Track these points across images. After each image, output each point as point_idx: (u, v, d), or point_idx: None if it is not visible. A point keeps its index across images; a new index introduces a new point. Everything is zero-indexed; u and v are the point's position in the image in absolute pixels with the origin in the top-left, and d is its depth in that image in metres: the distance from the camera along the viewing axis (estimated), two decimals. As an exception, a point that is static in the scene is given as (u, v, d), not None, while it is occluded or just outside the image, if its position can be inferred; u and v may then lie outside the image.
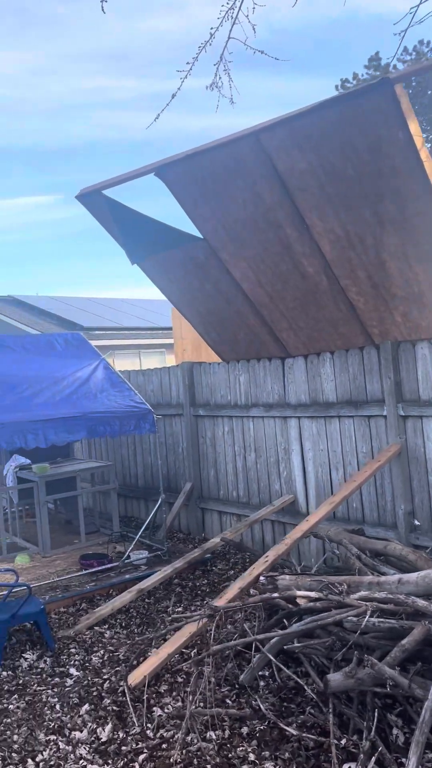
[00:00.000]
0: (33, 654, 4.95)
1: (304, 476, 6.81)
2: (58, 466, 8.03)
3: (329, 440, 6.51)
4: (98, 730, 3.80)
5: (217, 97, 5.03)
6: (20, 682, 4.52)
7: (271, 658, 3.89)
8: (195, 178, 5.61)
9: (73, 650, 4.98)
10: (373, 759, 3.07)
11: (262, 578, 4.81)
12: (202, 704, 3.82)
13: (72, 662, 4.77)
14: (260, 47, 3.72)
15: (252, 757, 3.35)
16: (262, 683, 4.04)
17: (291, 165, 5.03)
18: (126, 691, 4.13)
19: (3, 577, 6.15)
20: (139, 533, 7.07)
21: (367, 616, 3.59)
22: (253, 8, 3.89)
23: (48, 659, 4.85)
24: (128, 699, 4.05)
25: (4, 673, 4.67)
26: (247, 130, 4.96)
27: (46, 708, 4.11)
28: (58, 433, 6.26)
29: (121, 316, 21.27)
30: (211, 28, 3.92)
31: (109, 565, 6.65)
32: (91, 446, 10.10)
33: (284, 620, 4.34)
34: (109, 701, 4.10)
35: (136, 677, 4.29)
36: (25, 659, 4.88)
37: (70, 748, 3.64)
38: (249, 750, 3.41)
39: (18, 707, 4.15)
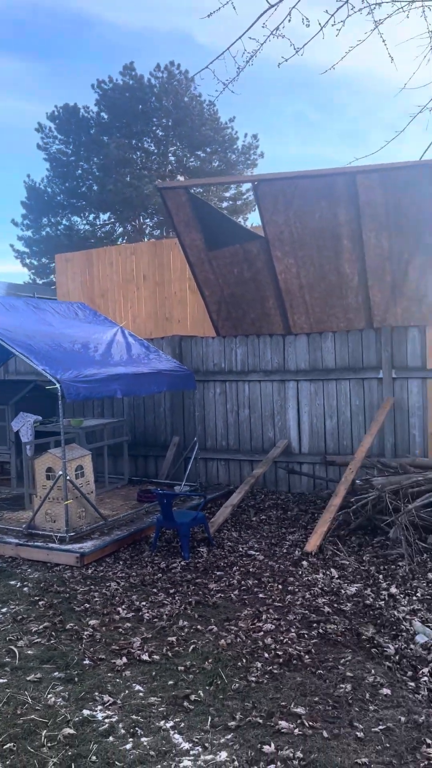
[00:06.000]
0: (203, 548, 6.37)
1: (299, 425, 9.02)
2: (86, 420, 8.91)
3: (326, 397, 8.82)
4: (327, 572, 5.62)
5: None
6: (227, 560, 6.00)
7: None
8: (285, 193, 7.47)
9: (228, 544, 6.52)
10: None
11: (358, 482, 6.99)
12: (376, 556, 5.91)
13: (239, 549, 6.35)
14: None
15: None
16: (402, 537, 6.25)
17: (371, 198, 7.27)
18: (339, 547, 5.97)
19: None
20: (185, 477, 8.46)
21: None
22: None
23: (217, 550, 6.34)
24: (342, 549, 5.92)
25: (200, 559, 6.06)
26: (348, 168, 7.06)
27: (274, 567, 5.75)
28: (150, 385, 7.48)
29: None
30: None
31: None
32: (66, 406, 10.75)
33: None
34: (313, 560, 5.91)
35: (312, 546, 6.13)
36: (201, 551, 6.29)
37: (322, 576, 5.43)
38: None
39: (257, 571, 5.71)
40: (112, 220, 31.20)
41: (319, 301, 8.51)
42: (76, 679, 3.97)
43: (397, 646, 4.25)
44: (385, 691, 3.72)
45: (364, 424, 8.60)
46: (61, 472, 6.35)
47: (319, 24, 5.77)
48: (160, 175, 30.69)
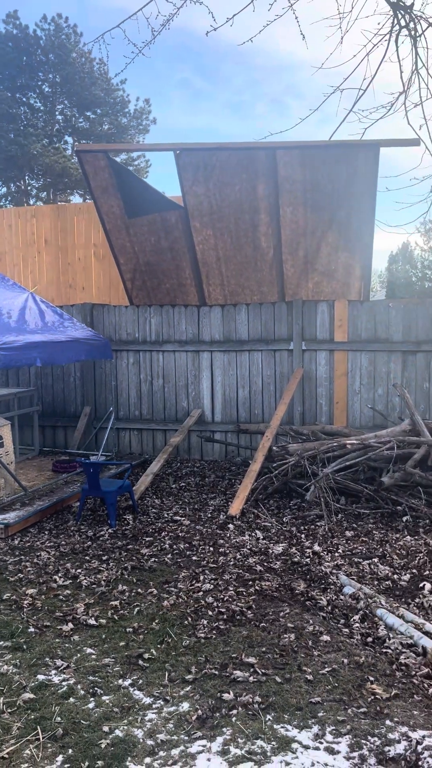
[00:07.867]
0: (128, 515, 6.43)
1: (212, 395, 9.22)
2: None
3: (239, 367, 9.06)
4: (253, 534, 5.89)
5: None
6: (155, 526, 6.10)
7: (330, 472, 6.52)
8: (205, 164, 7.50)
9: (153, 511, 6.62)
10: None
11: (275, 448, 7.30)
12: (296, 518, 6.26)
13: (165, 516, 6.47)
14: None
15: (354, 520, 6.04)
16: (321, 499, 6.63)
17: (290, 174, 7.47)
18: (261, 510, 6.22)
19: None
20: (102, 447, 8.39)
21: (385, 448, 6.56)
22: None
23: (143, 517, 6.43)
24: (264, 512, 6.18)
25: (127, 526, 6.13)
26: (269, 143, 7.19)
27: (202, 531, 5.93)
28: (69, 354, 7.33)
29: None
30: None
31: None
32: None
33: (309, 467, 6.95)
34: (238, 523, 6.15)
35: (235, 510, 6.37)
36: (127, 518, 6.35)
37: (249, 537, 5.69)
38: (350, 518, 6.07)
39: (186, 536, 5.86)
40: (-6, 179, 29.70)
41: (234, 273, 8.67)
42: (24, 646, 3.95)
43: (328, 597, 4.57)
44: (325, 637, 4.01)
45: (275, 393, 8.93)
46: (-20, 442, 6.14)
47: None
48: (47, 134, 29.41)
